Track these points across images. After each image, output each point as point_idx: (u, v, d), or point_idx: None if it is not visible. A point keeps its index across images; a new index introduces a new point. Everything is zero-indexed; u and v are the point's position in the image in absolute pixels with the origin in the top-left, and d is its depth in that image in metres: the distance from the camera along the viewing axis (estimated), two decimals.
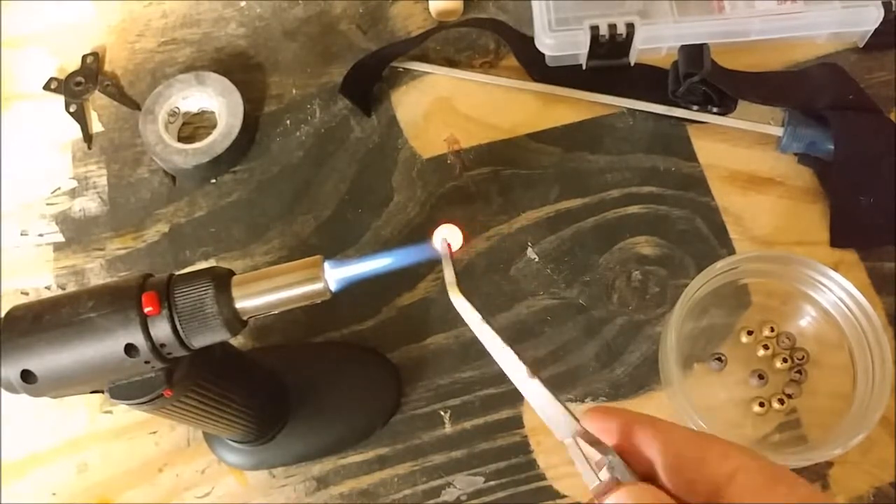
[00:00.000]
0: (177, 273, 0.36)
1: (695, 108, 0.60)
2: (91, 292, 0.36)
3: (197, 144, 0.61)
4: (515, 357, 0.30)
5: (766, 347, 0.53)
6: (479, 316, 0.30)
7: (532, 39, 0.62)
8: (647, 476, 0.29)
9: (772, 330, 0.54)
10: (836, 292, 0.52)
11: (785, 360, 0.52)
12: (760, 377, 0.52)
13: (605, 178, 0.60)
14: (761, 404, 0.51)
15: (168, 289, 0.35)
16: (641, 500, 0.27)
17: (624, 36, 0.59)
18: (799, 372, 0.52)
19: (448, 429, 0.54)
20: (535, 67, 0.63)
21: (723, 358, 0.53)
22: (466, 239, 0.33)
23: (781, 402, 0.52)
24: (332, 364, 0.55)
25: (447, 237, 0.33)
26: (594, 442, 0.28)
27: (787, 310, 0.55)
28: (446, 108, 0.64)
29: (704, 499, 0.29)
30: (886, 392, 0.48)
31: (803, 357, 0.53)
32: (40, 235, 0.62)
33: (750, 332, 0.54)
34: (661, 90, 0.61)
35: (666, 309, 0.56)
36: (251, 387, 0.46)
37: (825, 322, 0.54)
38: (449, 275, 0.32)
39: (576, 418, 0.29)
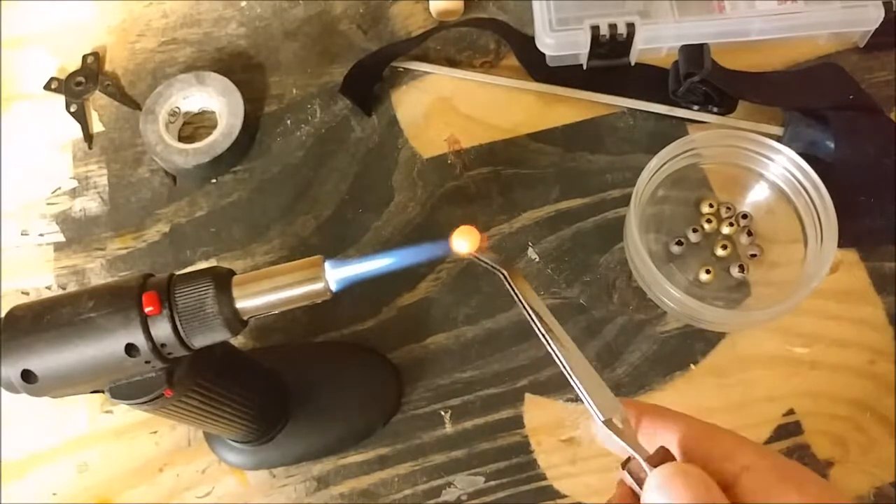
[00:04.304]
0: (177, 273, 0.36)
1: (695, 108, 0.60)
2: (91, 292, 0.36)
3: (197, 144, 0.61)
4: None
5: (730, 225, 0.56)
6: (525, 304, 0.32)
7: (533, 39, 0.62)
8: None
9: (728, 210, 0.57)
10: (783, 164, 0.56)
11: (749, 234, 0.56)
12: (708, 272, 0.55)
13: (606, 178, 0.60)
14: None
15: (169, 289, 0.35)
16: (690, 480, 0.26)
17: (624, 36, 0.59)
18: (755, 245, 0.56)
19: (448, 429, 0.54)
20: (536, 67, 0.63)
21: (683, 241, 0.55)
22: (483, 241, 0.33)
23: (742, 269, 0.55)
24: (332, 364, 0.55)
25: (464, 241, 0.33)
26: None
27: (740, 187, 0.58)
28: (447, 108, 0.64)
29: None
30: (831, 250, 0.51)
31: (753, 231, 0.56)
32: (41, 235, 0.62)
33: (709, 221, 0.56)
34: (661, 90, 0.61)
35: None
36: (252, 387, 0.46)
37: (775, 195, 0.57)
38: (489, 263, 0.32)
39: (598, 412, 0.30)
